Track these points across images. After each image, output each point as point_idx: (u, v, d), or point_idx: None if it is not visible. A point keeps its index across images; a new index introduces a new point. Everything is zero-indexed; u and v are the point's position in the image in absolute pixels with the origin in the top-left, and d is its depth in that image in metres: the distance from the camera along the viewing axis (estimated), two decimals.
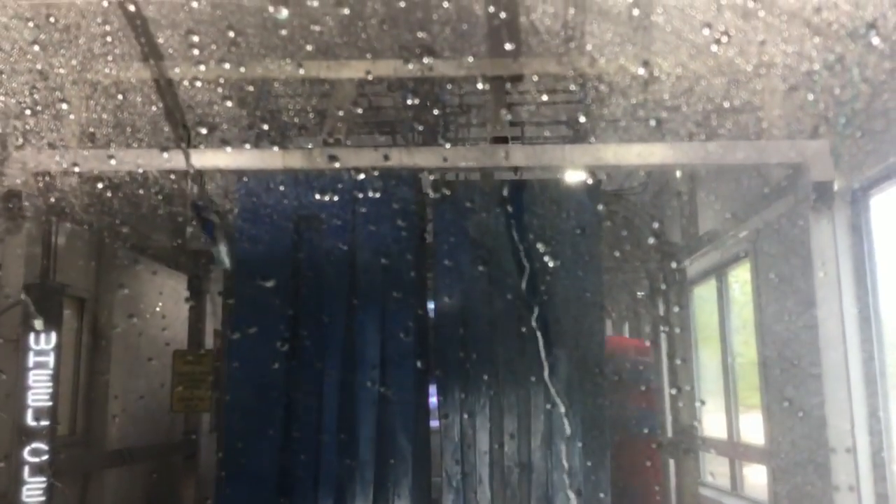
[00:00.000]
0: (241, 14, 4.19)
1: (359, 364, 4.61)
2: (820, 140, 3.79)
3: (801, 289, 4.01)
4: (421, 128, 5.39)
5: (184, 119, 4.44)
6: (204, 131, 4.54)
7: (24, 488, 3.99)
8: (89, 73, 4.29)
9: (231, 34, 4.18)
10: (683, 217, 6.08)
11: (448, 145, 4.54)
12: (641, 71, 4.19)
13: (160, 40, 4.23)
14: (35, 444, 4.05)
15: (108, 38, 4.15)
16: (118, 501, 6.16)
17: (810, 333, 3.85)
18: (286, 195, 4.71)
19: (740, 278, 5.61)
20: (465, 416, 4.67)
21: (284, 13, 4.03)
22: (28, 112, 4.06)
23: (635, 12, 4.05)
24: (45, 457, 4.06)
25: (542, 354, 4.47)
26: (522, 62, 4.36)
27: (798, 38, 3.65)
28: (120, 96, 4.47)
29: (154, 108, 4.54)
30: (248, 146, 4.65)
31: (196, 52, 4.11)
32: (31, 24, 3.88)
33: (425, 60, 4.26)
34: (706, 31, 3.84)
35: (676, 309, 6.21)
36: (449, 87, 4.97)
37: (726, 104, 4.35)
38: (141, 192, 4.97)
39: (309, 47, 4.24)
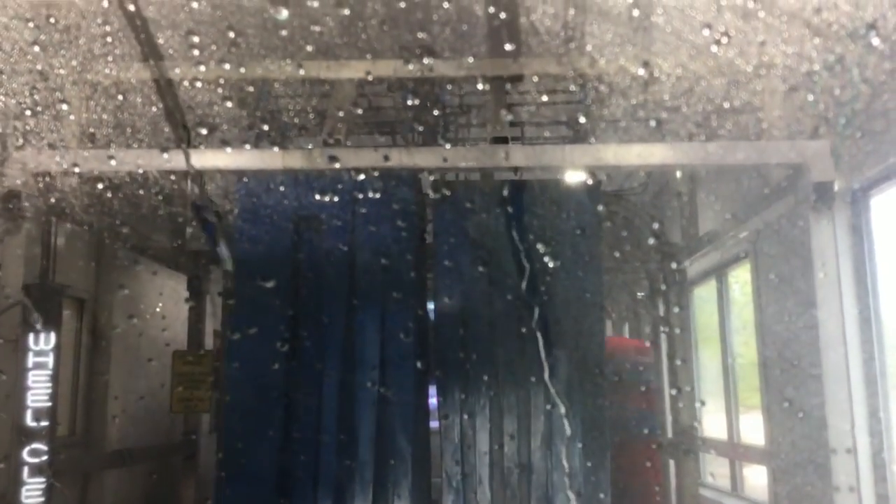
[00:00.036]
0: (241, 14, 4.19)
1: (358, 364, 4.61)
2: (820, 140, 3.79)
3: (801, 289, 4.00)
4: (421, 128, 5.39)
5: (184, 119, 4.44)
6: (204, 132, 4.54)
7: (24, 489, 3.99)
8: (89, 73, 4.29)
9: (231, 35, 4.18)
10: (683, 217, 6.08)
11: (448, 146, 4.54)
12: (641, 71, 4.19)
13: (160, 41, 4.23)
14: (34, 445, 4.05)
15: (109, 39, 4.15)
16: (118, 502, 6.15)
17: (810, 334, 3.85)
18: (286, 196, 4.71)
19: (740, 279, 5.61)
20: (465, 416, 4.67)
21: (284, 14, 4.03)
22: (28, 112, 4.06)
23: (635, 13, 4.05)
24: (45, 457, 4.05)
25: (542, 355, 4.47)
26: (522, 63, 4.36)
27: (798, 39, 3.65)
28: (120, 97, 4.47)
29: (154, 109, 4.54)
30: (248, 146, 4.65)
31: (196, 52, 4.11)
32: (31, 24, 3.88)
33: (425, 61, 4.26)
34: (706, 32, 3.84)
35: (676, 309, 6.20)
36: (449, 87, 4.97)
37: (726, 105, 4.35)
38: (141, 192, 4.97)
39: (309, 48, 4.24)
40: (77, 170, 4.01)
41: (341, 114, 4.66)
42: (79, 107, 4.33)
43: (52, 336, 4.17)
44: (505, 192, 4.61)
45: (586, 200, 4.81)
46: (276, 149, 4.26)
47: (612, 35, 4.25)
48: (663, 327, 6.53)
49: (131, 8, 3.92)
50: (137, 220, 5.64)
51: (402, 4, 4.07)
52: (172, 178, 4.64)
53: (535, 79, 4.63)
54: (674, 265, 6.06)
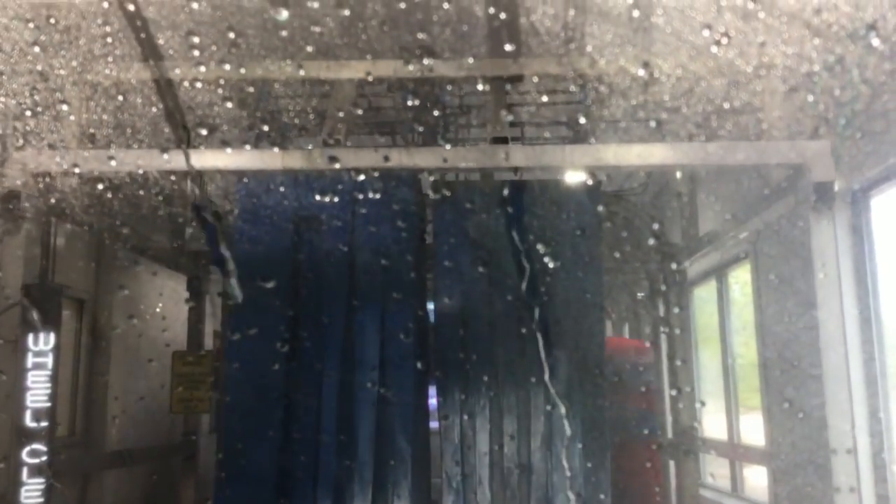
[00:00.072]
0: (241, 15, 4.19)
1: (358, 365, 4.61)
2: (820, 141, 3.79)
3: (801, 290, 4.00)
4: (421, 129, 5.39)
5: (184, 120, 4.44)
6: (204, 132, 4.54)
7: (23, 489, 3.98)
8: (90, 74, 4.29)
9: (231, 35, 4.18)
10: (684, 218, 6.08)
11: (448, 146, 4.54)
12: (642, 72, 4.19)
13: (160, 41, 4.23)
14: (34, 446, 4.04)
15: (109, 39, 4.15)
16: (117, 502, 6.15)
17: (811, 334, 3.85)
18: (286, 196, 4.71)
19: (740, 279, 5.61)
20: (465, 417, 4.66)
21: (285, 14, 4.04)
22: (28, 113, 4.06)
23: (635, 14, 4.06)
24: (44, 458, 4.05)
25: (542, 355, 4.46)
26: (522, 63, 4.36)
27: (798, 40, 3.65)
28: (120, 97, 4.47)
29: (154, 110, 4.54)
30: (248, 147, 4.65)
31: (196, 53, 4.11)
32: (31, 25, 3.88)
33: (425, 61, 4.26)
34: (706, 33, 3.84)
35: (676, 310, 6.20)
36: (449, 87, 4.97)
37: (726, 105, 4.35)
38: (141, 193, 4.97)
39: (309, 48, 4.24)
40: (77, 170, 4.00)
41: (341, 114, 4.66)
42: (79, 107, 4.33)
43: (52, 336, 4.17)
44: (505, 193, 4.61)
45: (586, 201, 4.81)
46: (276, 149, 4.26)
47: (612, 36, 4.25)
48: (663, 328, 6.53)
49: (131, 8, 3.92)
50: (137, 221, 5.64)
51: (402, 5, 4.07)
52: (172, 178, 4.64)
53: (535, 79, 4.64)
54: (674, 265, 6.06)
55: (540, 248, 4.52)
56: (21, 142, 4.03)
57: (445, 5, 4.14)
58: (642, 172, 5.88)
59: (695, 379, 6.32)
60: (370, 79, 4.51)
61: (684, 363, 6.09)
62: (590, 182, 4.75)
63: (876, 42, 3.17)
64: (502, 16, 4.01)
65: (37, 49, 3.95)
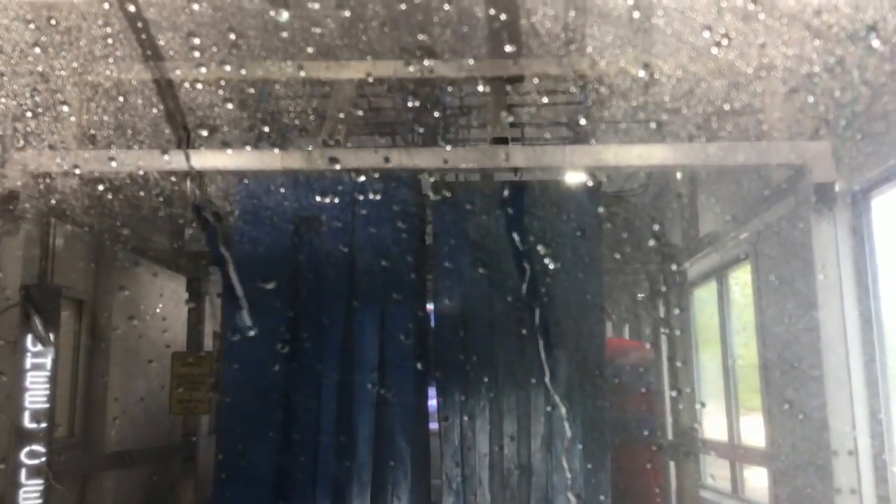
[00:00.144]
0: (241, 16, 4.20)
1: (358, 366, 4.60)
2: (821, 141, 3.78)
3: (801, 291, 4.00)
4: (421, 129, 5.39)
5: (184, 121, 4.44)
6: (204, 133, 4.54)
7: (22, 491, 3.97)
8: (90, 75, 4.29)
9: (232, 36, 4.19)
10: (684, 219, 6.08)
11: (448, 147, 4.54)
12: (642, 73, 4.19)
13: (161, 42, 4.23)
14: (33, 447, 4.03)
15: (109, 40, 4.15)
16: (117, 503, 6.14)
17: (811, 336, 3.84)
18: (286, 197, 4.71)
19: (741, 280, 5.60)
20: (465, 418, 4.65)
21: (285, 15, 4.04)
22: (29, 114, 4.06)
23: (636, 15, 4.06)
24: (43, 459, 4.04)
25: (543, 356, 4.46)
26: (523, 64, 4.37)
27: (798, 41, 3.65)
28: (121, 98, 4.47)
29: (154, 110, 4.54)
30: (248, 148, 4.65)
31: (197, 53, 4.12)
32: (32, 26, 3.88)
33: (426, 62, 4.26)
34: (706, 34, 3.85)
35: (677, 311, 6.20)
36: (449, 88, 4.97)
37: (727, 107, 4.35)
38: (141, 193, 4.97)
39: (310, 49, 4.25)
40: (77, 171, 4.00)
41: (341, 115, 4.66)
42: (79, 108, 4.33)
43: (51, 337, 4.16)
44: (505, 194, 4.60)
45: (587, 202, 4.80)
46: (276, 150, 4.26)
47: (613, 37, 4.25)
48: (663, 329, 6.52)
49: (132, 9, 3.92)
50: (137, 222, 5.64)
51: (403, 6, 4.08)
52: (173, 179, 4.64)
53: (536, 80, 4.64)
54: (674, 266, 6.05)
55: (540, 249, 4.52)
56: (21, 143, 4.03)
57: (446, 6, 4.14)
58: (642, 173, 5.88)
59: (695, 380, 6.31)
60: (370, 80, 4.51)
61: (684, 364, 6.09)
62: (590, 183, 4.75)
63: (876, 43, 3.17)
64: (503, 17, 4.01)
65: (37, 50, 3.95)
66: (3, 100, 3.98)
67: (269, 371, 4.46)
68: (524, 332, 4.53)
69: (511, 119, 4.62)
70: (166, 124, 4.55)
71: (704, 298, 6.34)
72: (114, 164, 3.95)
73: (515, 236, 4.47)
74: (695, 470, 5.97)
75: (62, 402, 5.27)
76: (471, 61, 4.40)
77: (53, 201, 4.38)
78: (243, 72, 4.29)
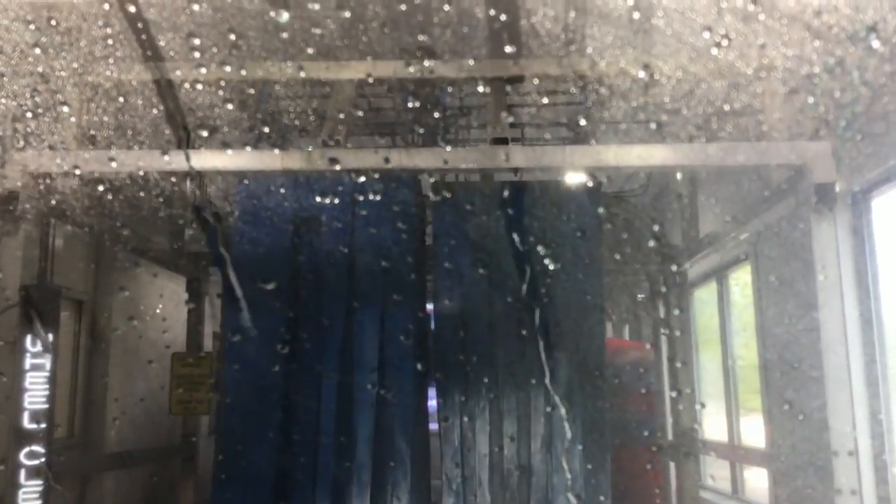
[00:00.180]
0: (242, 17, 4.20)
1: (358, 366, 4.60)
2: (821, 142, 3.78)
3: (802, 291, 4.00)
4: (421, 130, 5.39)
5: (184, 121, 4.44)
6: (205, 134, 4.54)
7: (21, 492, 3.97)
8: (90, 75, 4.29)
9: (232, 37, 4.19)
10: (684, 219, 6.08)
11: (448, 147, 4.54)
12: (642, 74, 4.19)
13: (161, 43, 4.23)
14: (32, 447, 4.03)
15: (110, 41, 4.15)
16: None
17: (811, 336, 3.84)
18: (286, 198, 4.71)
19: (741, 281, 5.60)
20: (465, 418, 4.65)
21: (285, 16, 4.04)
22: (29, 114, 4.06)
23: (636, 15, 4.06)
24: (42, 460, 4.04)
25: (543, 357, 4.45)
26: (523, 64, 4.37)
27: (798, 42, 3.65)
28: (121, 99, 4.47)
29: (154, 111, 4.54)
30: (248, 148, 4.65)
31: (197, 54, 4.12)
32: (32, 27, 3.88)
33: (426, 63, 4.26)
34: (706, 35, 3.85)
35: (677, 311, 6.19)
36: (449, 89, 4.97)
37: (727, 107, 4.35)
38: (141, 194, 4.97)
39: (310, 50, 4.25)
40: (77, 171, 4.00)
41: (341, 115, 4.66)
42: (79, 109, 4.33)
43: (51, 340, 4.15)
44: (505, 194, 4.61)
45: (587, 202, 4.80)
46: (276, 150, 4.26)
47: (613, 37, 4.26)
48: (664, 329, 6.52)
49: (132, 10, 3.92)
50: (137, 222, 5.64)
51: (403, 7, 4.08)
52: (173, 179, 4.64)
53: (536, 81, 4.64)
54: (674, 267, 6.05)
55: (540, 249, 4.52)
56: (21, 143, 4.03)
57: (446, 7, 4.14)
58: (643, 174, 5.88)
59: (695, 381, 6.31)
60: (370, 80, 4.51)
61: (684, 365, 6.09)
62: (590, 183, 4.75)
63: (876, 44, 3.18)
64: (503, 17, 4.01)
65: (38, 51, 3.95)
66: (4, 100, 3.98)
67: (268, 371, 4.46)
68: (524, 332, 4.52)
69: (511, 119, 4.62)
70: (166, 125, 4.55)
71: (704, 299, 6.34)
72: (114, 164, 3.95)
73: (515, 237, 4.47)
74: (695, 470, 5.96)
75: (62, 402, 5.27)
76: (471, 62, 4.40)
77: (53, 202, 4.38)
78: (243, 72, 4.30)
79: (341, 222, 4.69)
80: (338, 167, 4.00)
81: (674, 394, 6.34)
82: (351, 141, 5.03)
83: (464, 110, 5.35)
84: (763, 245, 4.74)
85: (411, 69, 4.27)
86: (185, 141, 4.28)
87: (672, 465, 6.37)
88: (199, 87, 4.44)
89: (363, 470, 4.46)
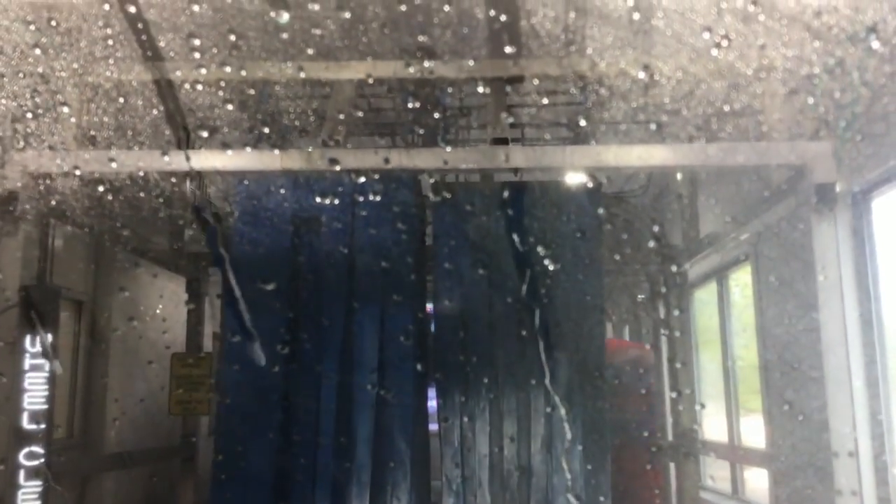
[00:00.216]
0: (242, 17, 4.20)
1: (358, 367, 4.59)
2: (821, 142, 3.78)
3: (802, 292, 4.00)
4: (421, 130, 5.39)
5: (184, 121, 4.44)
6: (204, 134, 4.54)
7: (20, 492, 3.96)
8: (90, 75, 4.30)
9: (232, 37, 4.19)
10: (684, 220, 6.08)
11: (448, 148, 4.54)
12: (642, 74, 4.19)
13: (161, 43, 4.23)
14: (32, 448, 4.03)
15: (110, 41, 4.15)
16: None
17: (811, 337, 3.84)
18: (286, 198, 4.71)
19: (741, 281, 5.60)
20: (465, 419, 4.65)
21: (285, 17, 4.04)
22: (29, 115, 4.06)
23: (636, 16, 4.06)
24: (42, 460, 4.03)
25: (543, 358, 4.45)
26: (523, 65, 4.37)
27: (798, 42, 3.65)
28: (121, 99, 4.47)
29: (155, 111, 4.54)
30: (248, 149, 4.65)
31: (197, 54, 4.12)
32: (32, 27, 3.88)
33: (426, 63, 4.26)
34: (706, 35, 3.85)
35: (677, 312, 6.19)
36: (449, 89, 4.98)
37: (726, 108, 4.35)
38: (141, 194, 4.97)
39: (310, 51, 4.25)
40: (77, 172, 4.00)
41: (341, 116, 4.66)
42: (79, 109, 4.33)
43: (50, 338, 4.15)
44: (505, 195, 4.60)
45: (587, 203, 4.80)
46: (276, 151, 4.26)
47: (613, 38, 4.26)
48: (664, 330, 6.52)
49: (132, 10, 3.92)
50: (137, 223, 5.64)
51: (403, 7, 4.08)
52: (173, 180, 4.64)
53: (536, 81, 4.64)
54: (674, 268, 6.05)
55: (540, 250, 4.51)
56: (21, 143, 4.03)
57: (446, 7, 4.14)
58: (643, 174, 5.88)
59: (695, 381, 6.31)
60: (370, 80, 4.51)
61: (684, 365, 6.08)
62: (590, 184, 4.75)
63: (876, 44, 3.18)
64: (503, 18, 4.01)
65: (38, 51, 3.95)
66: (4, 101, 3.98)
67: (268, 372, 4.46)
68: (524, 333, 4.52)
69: (511, 120, 4.61)
70: (166, 125, 4.55)
71: (704, 299, 6.34)
72: (114, 164, 3.95)
73: (515, 237, 4.47)
74: (695, 471, 5.96)
75: (61, 403, 5.27)
76: (471, 62, 4.40)
77: (53, 202, 4.37)
78: (243, 73, 4.30)
79: (341, 223, 4.69)
80: (338, 167, 4.00)
81: (674, 394, 6.34)
82: (351, 141, 5.03)
83: (464, 111, 5.35)
84: (763, 245, 4.74)
85: (411, 69, 4.27)
86: (185, 141, 4.28)
87: (672, 465, 6.36)
88: (199, 87, 4.44)
89: (363, 470, 4.46)
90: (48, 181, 4.13)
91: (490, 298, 4.76)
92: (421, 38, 4.33)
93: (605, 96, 4.67)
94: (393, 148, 5.26)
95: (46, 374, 4.13)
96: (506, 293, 4.63)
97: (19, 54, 3.93)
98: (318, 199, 4.67)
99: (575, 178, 4.79)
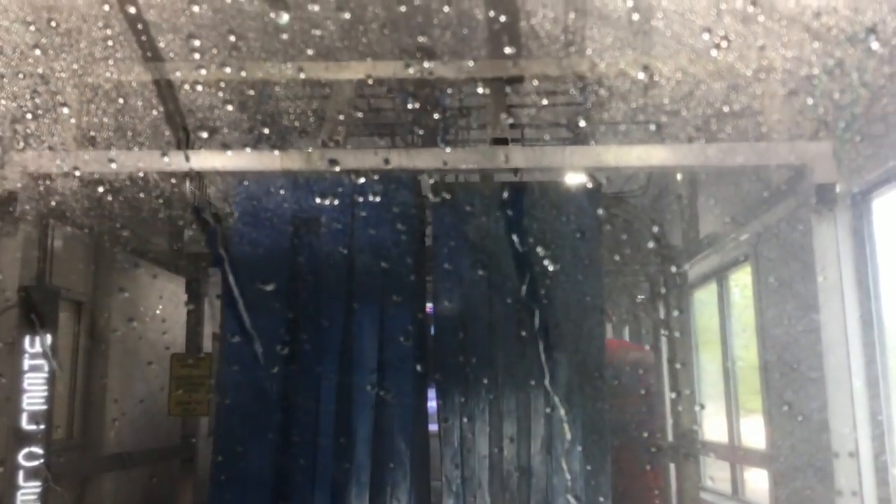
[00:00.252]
0: (242, 18, 4.20)
1: (357, 367, 4.59)
2: (822, 142, 3.78)
3: (802, 292, 3.99)
4: (421, 131, 5.39)
5: (184, 122, 4.44)
6: (204, 135, 4.54)
7: (20, 493, 3.96)
8: (90, 76, 4.30)
9: (232, 38, 4.19)
10: (684, 220, 6.08)
11: (448, 148, 4.54)
12: (641, 75, 4.20)
13: (161, 44, 4.23)
14: (31, 448, 4.02)
15: (110, 42, 4.16)
16: None
17: (811, 337, 3.84)
18: (286, 199, 4.70)
19: (741, 282, 5.60)
20: (465, 419, 4.64)
21: (285, 17, 4.05)
22: (29, 115, 4.06)
23: (635, 17, 4.07)
24: (41, 461, 4.03)
25: (542, 358, 4.45)
26: (522, 65, 4.37)
27: (797, 43, 3.66)
28: (121, 100, 4.47)
29: (154, 112, 4.54)
30: (248, 149, 4.65)
31: (197, 55, 4.12)
32: (32, 27, 3.88)
33: (425, 64, 4.26)
34: (706, 36, 3.85)
35: (677, 313, 6.19)
36: (449, 90, 4.98)
37: (726, 109, 4.35)
38: (140, 195, 4.98)
39: (310, 51, 4.25)
40: (77, 172, 4.00)
41: (341, 116, 4.66)
42: (79, 110, 4.33)
43: (49, 338, 4.15)
44: (505, 195, 4.60)
45: (586, 203, 4.80)
46: (275, 151, 4.26)
47: (613, 39, 4.26)
48: (663, 330, 6.52)
49: (132, 11, 3.92)
50: (136, 223, 5.64)
51: (403, 8, 4.08)
52: (172, 180, 4.64)
53: (535, 81, 4.64)
54: (674, 268, 6.05)
55: (540, 250, 4.51)
56: (21, 144, 4.03)
57: (446, 8, 4.15)
58: (642, 175, 5.88)
59: (695, 382, 6.31)
60: (370, 81, 4.52)
61: (684, 366, 6.08)
62: (590, 184, 4.75)
63: (875, 45, 3.18)
64: (502, 18, 4.02)
65: (38, 52, 3.96)
66: (4, 101, 3.98)
67: (268, 373, 4.45)
68: (524, 333, 4.52)
69: (511, 120, 4.62)
70: (166, 126, 4.55)
71: (704, 300, 6.34)
72: (113, 165, 3.95)
73: (515, 238, 4.46)
74: (695, 472, 5.95)
75: (61, 403, 5.27)
76: (470, 63, 4.41)
77: (53, 203, 4.37)
78: (243, 73, 4.30)
79: (341, 223, 4.69)
80: (337, 168, 4.00)
81: (674, 395, 6.33)
82: (350, 142, 5.03)
83: (463, 111, 5.35)
84: (763, 246, 4.74)
85: (411, 70, 4.27)
86: (185, 142, 4.28)
87: (672, 466, 6.36)
88: (199, 88, 4.45)
89: (362, 471, 4.45)
90: (48, 182, 4.13)
91: (490, 299, 4.75)
92: (420, 39, 4.33)
93: (605, 97, 4.67)
94: (392, 148, 5.26)
95: (46, 375, 4.13)
96: (505, 294, 4.62)
97: (19, 55, 3.93)
98: (317, 200, 4.67)
99: (574, 179, 4.79)
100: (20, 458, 3.99)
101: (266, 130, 5.20)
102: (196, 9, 4.03)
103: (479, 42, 4.41)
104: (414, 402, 4.62)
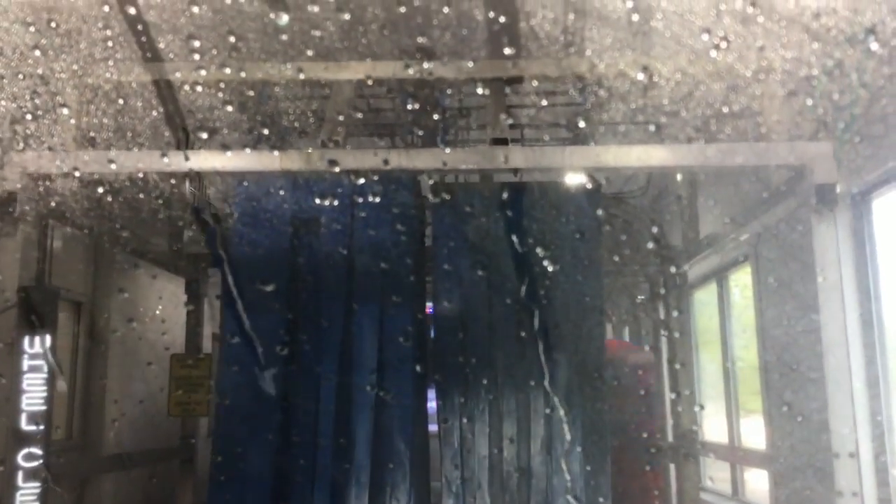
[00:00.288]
0: (241, 19, 4.21)
1: (357, 368, 4.59)
2: (822, 142, 3.79)
3: (802, 293, 3.99)
4: (420, 131, 5.40)
5: (184, 122, 4.45)
6: (204, 135, 4.54)
7: (19, 494, 3.96)
8: (90, 77, 4.30)
9: (232, 39, 4.20)
10: (684, 221, 6.08)
11: (447, 148, 4.54)
12: (641, 76, 4.20)
13: (161, 44, 4.24)
14: (30, 449, 4.02)
15: (109, 43, 4.16)
16: None
17: (811, 337, 3.84)
18: (285, 199, 4.71)
19: (741, 282, 5.60)
20: (465, 420, 4.64)
21: (285, 18, 4.05)
22: (29, 116, 4.07)
23: (635, 18, 4.07)
24: (40, 461, 4.03)
25: (542, 359, 4.45)
26: (522, 66, 4.37)
27: (797, 44, 3.66)
28: (120, 100, 4.48)
29: (154, 112, 4.55)
30: (247, 150, 4.65)
31: (197, 56, 4.13)
32: (32, 28, 3.89)
33: (425, 64, 4.27)
34: (705, 37, 3.85)
35: (676, 313, 6.19)
36: (449, 90, 4.98)
37: (725, 109, 4.36)
38: (140, 195, 4.98)
39: (309, 52, 4.25)
40: (76, 173, 4.00)
41: (341, 117, 4.66)
42: (79, 110, 4.34)
43: (48, 339, 4.15)
44: (504, 196, 4.60)
45: (586, 204, 4.80)
46: (275, 152, 4.26)
47: (612, 39, 4.26)
48: (663, 331, 6.51)
49: (132, 12, 3.93)
50: (136, 224, 5.64)
51: (402, 9, 4.09)
52: (172, 181, 4.65)
53: (535, 82, 4.65)
54: (674, 269, 6.05)
55: (539, 251, 4.51)
56: (21, 145, 4.03)
57: (445, 9, 4.15)
58: (642, 175, 5.88)
59: (695, 382, 6.30)
60: (370, 81, 4.52)
61: (684, 366, 6.08)
62: (589, 185, 4.75)
63: (875, 46, 3.18)
64: (502, 19, 4.02)
65: (37, 52, 3.96)
66: (3, 102, 3.99)
67: (267, 373, 4.45)
68: (523, 334, 4.52)
69: (510, 121, 4.62)
70: (166, 126, 4.55)
71: (704, 300, 6.34)
72: (113, 165, 3.95)
73: (515, 238, 4.46)
74: (694, 472, 5.95)
75: (60, 404, 5.26)
76: (470, 63, 4.41)
77: (52, 203, 4.38)
78: (243, 74, 4.30)
79: (340, 224, 4.68)
80: (337, 168, 4.00)
81: (673, 395, 6.33)
82: (350, 142, 5.03)
83: (463, 111, 5.36)
84: (763, 246, 4.74)
85: (411, 70, 4.27)
86: (185, 142, 4.29)
87: (672, 466, 6.36)
88: (199, 88, 4.45)
89: (362, 471, 4.45)
90: (47, 182, 4.13)
91: (489, 299, 4.75)
92: (420, 40, 4.34)
93: (605, 97, 4.68)
94: (392, 149, 5.26)
95: (45, 376, 4.12)
96: (505, 294, 4.62)
97: (19, 56, 3.93)
98: (317, 201, 4.67)
99: (574, 179, 4.79)
100: (20, 458, 3.99)
101: (266, 131, 5.20)
102: (196, 9, 4.03)
103: (478, 43, 4.42)
104: (414, 403, 4.62)
